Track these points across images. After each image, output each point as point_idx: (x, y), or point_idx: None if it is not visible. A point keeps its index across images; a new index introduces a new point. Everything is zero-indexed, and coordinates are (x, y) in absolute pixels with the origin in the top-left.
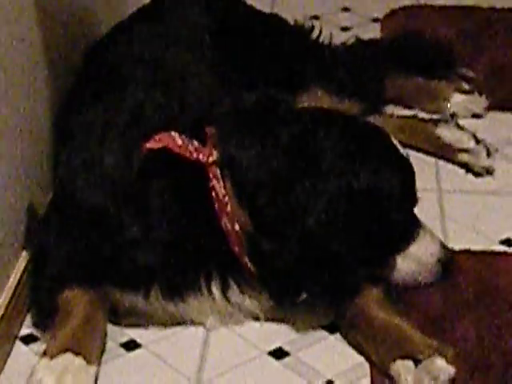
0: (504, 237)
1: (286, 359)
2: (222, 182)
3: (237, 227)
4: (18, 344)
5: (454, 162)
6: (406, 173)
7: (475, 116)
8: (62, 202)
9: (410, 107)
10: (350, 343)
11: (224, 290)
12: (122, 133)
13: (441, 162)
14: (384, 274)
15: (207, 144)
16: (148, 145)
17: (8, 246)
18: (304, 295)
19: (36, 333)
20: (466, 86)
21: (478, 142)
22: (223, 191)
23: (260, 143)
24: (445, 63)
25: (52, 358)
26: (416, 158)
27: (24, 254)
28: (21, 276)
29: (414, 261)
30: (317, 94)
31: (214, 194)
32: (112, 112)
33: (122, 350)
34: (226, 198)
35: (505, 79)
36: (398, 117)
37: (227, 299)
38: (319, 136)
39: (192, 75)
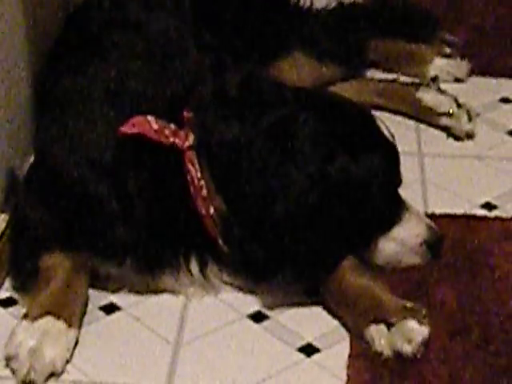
0: (484, 201)
1: (266, 322)
2: (197, 167)
3: (212, 211)
4: None
5: (435, 126)
6: (389, 155)
7: (457, 80)
8: (42, 169)
9: (391, 71)
10: (327, 308)
11: (202, 269)
12: (101, 108)
13: (422, 126)
14: (367, 256)
15: (184, 128)
16: (123, 129)
17: None
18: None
19: (15, 296)
20: (447, 50)
21: (459, 106)
22: (199, 175)
23: (237, 129)
24: (427, 27)
25: (33, 320)
26: (397, 122)
27: (3, 216)
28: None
29: (398, 243)
30: (298, 59)
31: (189, 178)
32: (92, 83)
33: (102, 313)
34: (202, 182)
35: (487, 44)
36: (379, 81)
37: (205, 277)
38: (299, 121)
39: (174, 43)
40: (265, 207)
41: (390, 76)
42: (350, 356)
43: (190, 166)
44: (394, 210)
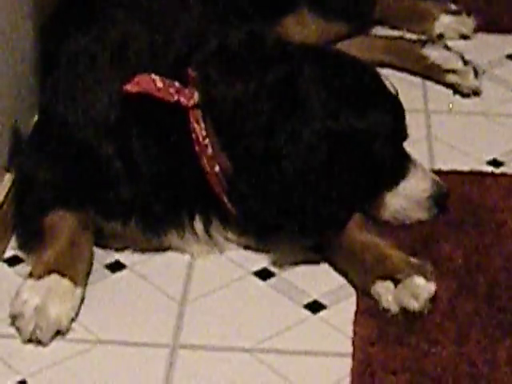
0: (491, 157)
1: (272, 279)
2: (202, 125)
3: (217, 169)
4: (2, 265)
5: (441, 83)
6: (394, 110)
7: (463, 37)
8: (46, 128)
9: (397, 28)
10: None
11: (207, 227)
12: (106, 68)
13: (428, 83)
14: (374, 212)
15: (189, 86)
16: (127, 87)
17: None
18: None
19: (21, 255)
20: (453, 7)
21: (465, 62)
22: (204, 133)
23: (243, 86)
24: None
25: (38, 278)
26: (403, 79)
27: (8, 176)
28: (4, 198)
29: (405, 198)
30: (304, 16)
31: (194, 136)
32: (97, 42)
33: (107, 271)
34: (207, 141)
35: (493, 0)
36: (385, 38)
37: (210, 235)
38: (304, 77)
39: (177, 1)
40: (271, 164)
41: (396, 33)
42: (356, 312)
43: (194, 124)
44: (400, 165)
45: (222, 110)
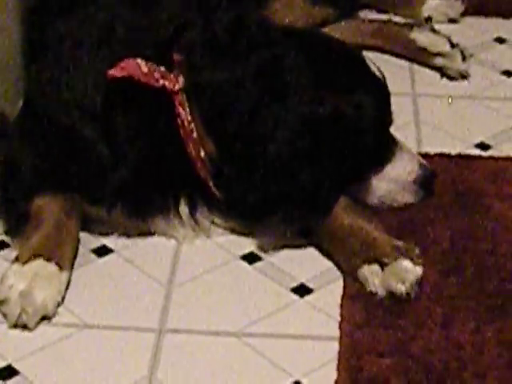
0: (478, 140)
1: (259, 263)
2: (188, 109)
3: (202, 153)
4: None
5: (428, 66)
6: (379, 94)
7: (451, 20)
8: (31, 112)
9: (384, 12)
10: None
11: (192, 212)
12: (91, 52)
13: (415, 66)
14: (360, 196)
15: (174, 70)
16: (112, 72)
17: None
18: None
19: (6, 240)
20: None
21: (453, 46)
22: (189, 118)
23: (227, 71)
24: None
25: (24, 263)
26: (391, 63)
27: None
28: None
29: (391, 181)
30: (292, 0)
31: (179, 120)
32: (83, 28)
33: (94, 256)
34: (192, 125)
35: None
36: (372, 21)
37: (195, 220)
38: (289, 61)
39: None
40: (256, 149)
41: (384, 17)
42: (343, 296)
43: (180, 109)
44: (385, 149)
45: (206, 95)
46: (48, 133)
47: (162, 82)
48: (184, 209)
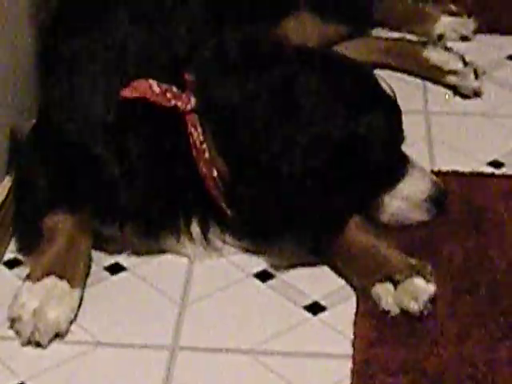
0: (491, 158)
1: (272, 281)
2: (200, 129)
3: (214, 173)
4: (2, 268)
5: (441, 84)
6: (391, 112)
7: (463, 38)
8: (44, 129)
9: (397, 29)
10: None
11: (204, 231)
12: (104, 71)
13: (428, 84)
14: (372, 213)
15: (186, 91)
16: (124, 93)
17: None
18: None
19: (20, 257)
20: (454, 8)
21: (465, 63)
22: (201, 138)
23: (238, 90)
24: None
25: (36, 281)
26: (404, 81)
27: (7, 178)
28: (4, 201)
29: (403, 199)
30: (304, 18)
31: (191, 140)
32: (96, 46)
33: (107, 273)
34: (204, 145)
35: (493, 1)
36: (385, 39)
37: (207, 239)
38: (301, 81)
39: (177, 4)
40: (268, 169)
41: (397, 34)
42: (356, 314)
43: (192, 129)
44: (397, 167)
45: (218, 115)
46: (60, 150)
47: (173, 102)
48: (195, 228)
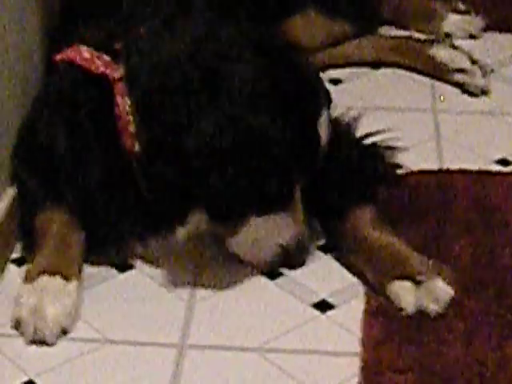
0: (499, 156)
1: (280, 279)
2: (127, 99)
3: (137, 147)
4: (11, 266)
5: (449, 83)
6: (304, 139)
7: (471, 36)
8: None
9: (405, 28)
10: (343, 264)
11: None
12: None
13: (436, 83)
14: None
15: (118, 59)
16: (55, 57)
17: (3, 168)
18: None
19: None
20: (462, 6)
21: (473, 62)
22: (127, 109)
23: (164, 58)
24: None
25: (31, 281)
26: (411, 79)
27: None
28: (11, 200)
29: (259, 232)
30: (311, 16)
31: (117, 111)
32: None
33: (115, 271)
34: (130, 117)
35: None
36: (392, 37)
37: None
38: (230, 63)
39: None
40: (176, 143)
41: (404, 33)
42: (364, 312)
43: (118, 99)
44: (278, 198)
45: (139, 80)
46: (32, 150)
47: (102, 69)
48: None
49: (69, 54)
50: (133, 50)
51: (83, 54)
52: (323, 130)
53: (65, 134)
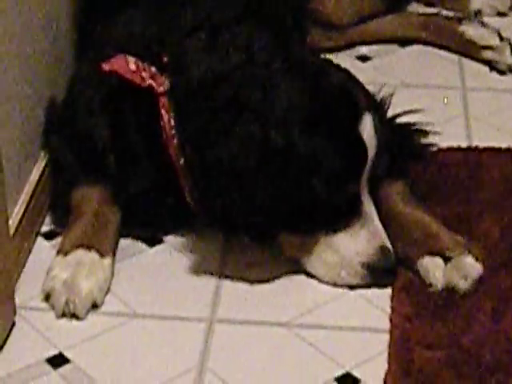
0: None
1: None
2: (172, 113)
3: (182, 161)
4: (40, 240)
5: (477, 60)
6: (351, 151)
7: (499, 14)
8: (62, 113)
9: (432, 5)
10: None
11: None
12: (103, 53)
13: (465, 60)
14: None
15: (164, 72)
16: (103, 65)
17: (28, 145)
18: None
19: (56, 229)
20: None
21: (502, 39)
22: (172, 123)
23: (207, 78)
24: None
25: (65, 255)
26: (440, 56)
27: (43, 153)
28: (41, 174)
29: (336, 252)
30: None
31: (162, 124)
32: (121, 29)
33: (144, 246)
34: (174, 131)
35: None
36: (421, 14)
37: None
38: (272, 83)
39: None
40: (212, 160)
41: (432, 10)
42: (393, 288)
43: (163, 112)
44: (340, 213)
45: (184, 98)
46: (70, 128)
47: (148, 82)
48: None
49: (115, 64)
50: (179, 65)
51: (130, 65)
52: (367, 134)
53: (108, 124)
